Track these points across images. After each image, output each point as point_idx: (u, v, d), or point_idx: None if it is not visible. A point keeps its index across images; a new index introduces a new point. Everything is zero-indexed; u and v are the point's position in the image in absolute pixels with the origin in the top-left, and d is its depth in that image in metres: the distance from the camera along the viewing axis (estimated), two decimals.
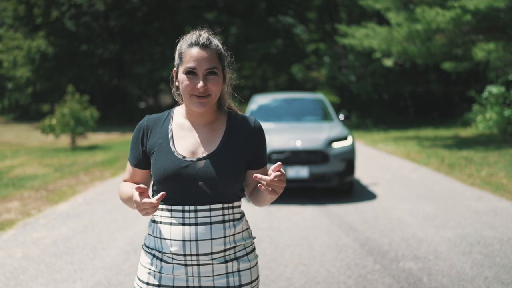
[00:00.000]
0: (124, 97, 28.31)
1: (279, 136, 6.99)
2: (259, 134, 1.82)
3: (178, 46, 1.77)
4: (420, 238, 4.94)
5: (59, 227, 5.64)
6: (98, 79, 25.87)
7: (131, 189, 1.78)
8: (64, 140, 15.34)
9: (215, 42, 1.76)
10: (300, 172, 6.65)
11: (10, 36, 25.23)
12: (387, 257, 4.44)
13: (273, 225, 5.56)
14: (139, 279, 1.80)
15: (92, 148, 14.38)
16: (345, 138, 7.05)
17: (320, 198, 6.99)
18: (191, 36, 1.75)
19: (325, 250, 4.66)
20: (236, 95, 1.94)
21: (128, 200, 1.80)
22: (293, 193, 7.36)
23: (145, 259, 1.79)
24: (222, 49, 1.78)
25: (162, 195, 1.61)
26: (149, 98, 32.44)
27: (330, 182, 6.78)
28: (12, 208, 6.62)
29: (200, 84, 1.68)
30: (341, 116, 8.39)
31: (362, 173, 8.90)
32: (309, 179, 6.71)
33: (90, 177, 9.13)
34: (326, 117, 8.30)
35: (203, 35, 1.75)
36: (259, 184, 1.60)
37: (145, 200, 1.60)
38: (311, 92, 23.71)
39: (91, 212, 6.34)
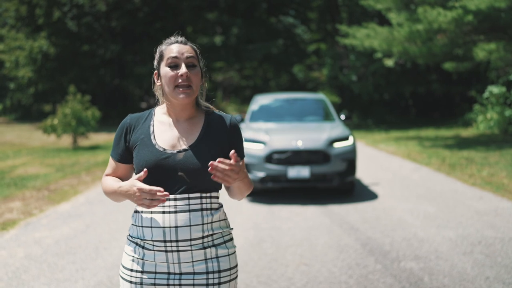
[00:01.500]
0: (125, 97, 28.32)
1: (280, 136, 7.00)
2: (235, 130, 1.94)
3: (157, 50, 1.92)
4: (421, 238, 4.95)
5: (61, 226, 5.65)
6: (100, 79, 25.89)
7: (116, 183, 1.88)
8: (66, 140, 15.36)
9: (192, 43, 1.92)
10: (302, 172, 6.66)
11: (12, 37, 25.25)
12: (388, 257, 4.45)
13: (275, 225, 5.57)
14: (123, 266, 1.89)
15: (93, 148, 14.39)
16: (346, 138, 7.06)
17: (321, 198, 7.00)
18: (169, 40, 1.91)
19: (327, 250, 4.67)
20: (214, 99, 2.08)
21: (113, 193, 1.89)
22: (295, 193, 7.38)
23: (128, 247, 1.89)
24: (198, 51, 1.93)
25: (157, 190, 1.72)
26: (150, 98, 32.44)
27: (331, 182, 6.78)
28: (14, 208, 6.64)
29: (183, 69, 1.82)
30: (342, 116, 8.39)
31: (363, 173, 8.90)
32: (311, 179, 6.72)
33: (92, 177, 9.14)
34: (327, 117, 8.31)
35: (180, 37, 1.91)
36: (212, 174, 1.69)
37: (152, 188, 1.72)
38: (312, 92, 23.70)
39: (93, 212, 6.36)
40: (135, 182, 1.76)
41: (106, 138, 18.02)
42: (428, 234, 5.07)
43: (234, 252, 1.93)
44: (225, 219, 1.94)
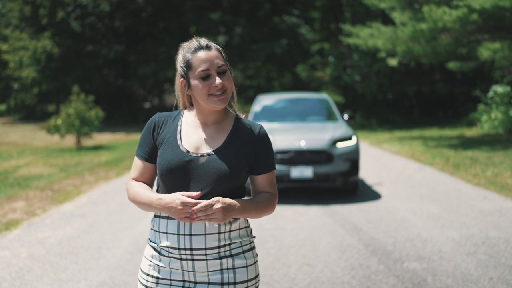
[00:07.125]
0: (129, 97, 28.39)
1: (283, 136, 6.99)
2: (263, 141, 1.88)
3: (180, 57, 1.83)
4: (424, 239, 4.93)
5: (64, 227, 5.66)
6: (103, 79, 25.94)
7: (152, 194, 1.80)
8: (70, 140, 15.40)
9: (214, 43, 1.85)
10: (305, 172, 6.65)
11: (16, 37, 25.33)
12: (391, 257, 4.43)
13: (278, 225, 5.56)
14: (141, 270, 1.87)
15: (97, 148, 14.42)
16: (349, 138, 7.04)
17: (324, 198, 6.98)
18: (192, 44, 1.82)
19: (330, 250, 4.66)
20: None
21: (147, 205, 1.80)
22: (298, 193, 7.36)
23: (147, 251, 1.87)
24: (221, 48, 1.86)
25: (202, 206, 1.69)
26: (154, 98, 32.53)
27: (334, 182, 6.77)
28: (18, 208, 6.65)
29: (218, 81, 1.76)
30: (346, 116, 8.38)
31: (367, 173, 8.88)
32: (314, 179, 6.70)
33: (95, 177, 9.16)
34: (330, 117, 8.29)
35: (202, 39, 1.83)
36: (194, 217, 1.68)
37: (199, 204, 1.68)
38: (316, 92, 23.69)
39: (96, 212, 6.37)
40: (180, 196, 1.70)
41: (109, 138, 18.05)
42: (431, 235, 5.05)
43: (254, 263, 1.85)
44: (246, 227, 1.86)
